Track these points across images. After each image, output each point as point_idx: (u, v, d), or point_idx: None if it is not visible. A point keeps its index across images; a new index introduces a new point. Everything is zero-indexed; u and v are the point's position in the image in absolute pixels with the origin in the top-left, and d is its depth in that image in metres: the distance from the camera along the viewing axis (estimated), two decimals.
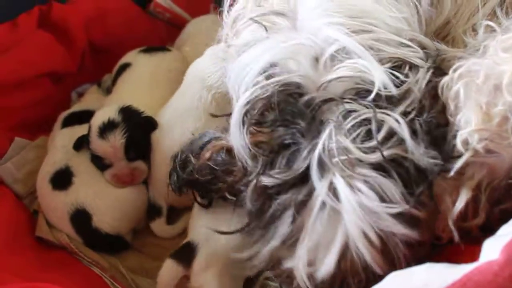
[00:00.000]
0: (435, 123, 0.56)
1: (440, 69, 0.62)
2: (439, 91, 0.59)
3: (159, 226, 1.01)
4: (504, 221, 0.54)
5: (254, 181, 0.59)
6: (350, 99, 0.56)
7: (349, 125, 0.55)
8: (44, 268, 0.90)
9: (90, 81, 1.28)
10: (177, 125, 0.98)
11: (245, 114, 0.61)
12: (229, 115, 0.67)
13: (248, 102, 0.61)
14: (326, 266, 0.54)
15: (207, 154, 0.69)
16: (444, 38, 0.70)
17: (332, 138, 0.54)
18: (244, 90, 0.62)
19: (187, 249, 0.83)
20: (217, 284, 0.80)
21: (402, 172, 0.54)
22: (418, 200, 0.54)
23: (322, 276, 0.55)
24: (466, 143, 0.55)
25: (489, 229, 0.54)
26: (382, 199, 0.52)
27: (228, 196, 0.69)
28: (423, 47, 0.64)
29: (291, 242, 0.56)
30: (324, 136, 0.55)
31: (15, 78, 1.11)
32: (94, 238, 0.97)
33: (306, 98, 0.58)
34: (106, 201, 0.97)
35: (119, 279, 0.94)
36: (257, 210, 0.59)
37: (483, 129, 0.54)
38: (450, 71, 0.59)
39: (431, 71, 0.60)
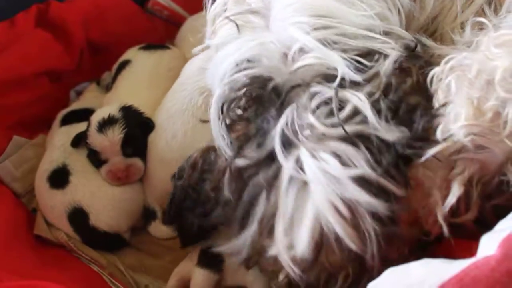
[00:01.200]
0: (402, 102, 0.57)
1: (420, 57, 0.63)
2: (428, 81, 0.59)
3: (156, 228, 1.01)
4: (500, 216, 0.53)
5: (230, 166, 0.60)
6: (317, 83, 0.58)
7: (313, 104, 0.56)
8: (42, 266, 0.90)
9: (89, 79, 1.28)
10: (169, 126, 0.98)
11: (222, 107, 0.64)
12: None
13: (222, 96, 0.64)
14: (302, 242, 0.54)
15: (195, 154, 0.71)
16: (431, 35, 0.70)
17: (295, 115, 0.56)
18: (218, 85, 0.65)
19: (212, 253, 0.80)
20: (257, 272, 0.78)
21: (369, 145, 0.54)
22: (386, 172, 0.54)
23: (302, 255, 0.55)
24: (447, 133, 0.55)
25: (485, 224, 0.54)
26: (345, 165, 0.53)
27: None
28: (400, 38, 0.65)
29: (269, 226, 0.57)
30: (286, 113, 0.57)
31: (13, 77, 1.11)
32: (92, 236, 0.97)
33: (273, 85, 0.60)
34: (103, 200, 0.97)
35: (117, 277, 0.94)
36: (235, 199, 0.60)
37: (474, 124, 0.54)
38: (442, 63, 0.59)
39: (400, 55, 0.61)
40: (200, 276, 0.82)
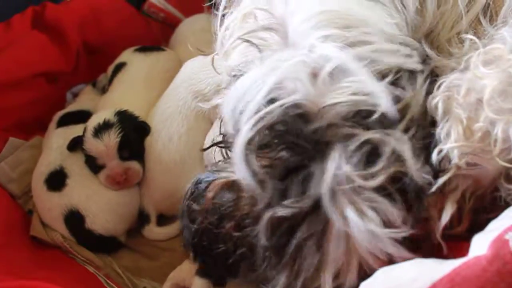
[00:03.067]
0: (427, 137, 0.57)
1: (434, 73, 0.62)
2: (427, 106, 0.59)
3: (149, 231, 1.02)
4: None
5: (268, 213, 0.56)
6: (353, 122, 0.55)
7: (351, 148, 0.53)
8: (38, 267, 0.90)
9: (85, 81, 1.28)
10: (164, 129, 0.99)
11: (249, 143, 0.57)
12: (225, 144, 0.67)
13: (251, 130, 0.57)
14: (350, 283, 0.56)
15: (210, 194, 0.64)
16: (430, 44, 0.69)
17: (338, 164, 0.53)
18: (247, 119, 0.57)
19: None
20: None
21: (401, 192, 0.54)
22: (416, 219, 0.55)
23: None
24: (448, 159, 0.55)
25: (477, 230, 0.54)
26: (385, 224, 0.53)
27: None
28: (414, 48, 0.64)
29: (317, 273, 0.57)
30: (332, 162, 0.54)
31: (10, 79, 1.11)
32: (88, 239, 0.98)
33: (309, 125, 0.55)
34: (99, 203, 0.97)
35: (113, 278, 0.95)
36: (275, 245, 0.57)
37: (465, 145, 0.54)
38: (435, 88, 0.59)
39: (428, 80, 0.59)
40: (199, 286, 0.81)
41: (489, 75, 0.55)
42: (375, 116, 0.54)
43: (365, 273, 0.56)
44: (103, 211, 0.97)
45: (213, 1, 0.78)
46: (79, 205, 0.96)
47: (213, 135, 0.90)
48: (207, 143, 0.94)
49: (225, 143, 0.69)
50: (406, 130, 0.55)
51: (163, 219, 1.03)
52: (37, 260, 0.93)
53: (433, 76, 0.61)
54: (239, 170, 0.58)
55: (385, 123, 0.54)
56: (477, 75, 0.56)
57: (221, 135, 0.70)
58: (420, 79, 0.58)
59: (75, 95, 1.26)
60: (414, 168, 0.53)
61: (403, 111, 0.56)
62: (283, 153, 0.56)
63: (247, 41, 0.64)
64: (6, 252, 0.90)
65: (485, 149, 0.54)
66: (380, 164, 0.53)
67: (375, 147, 0.54)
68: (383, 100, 0.53)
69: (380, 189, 0.53)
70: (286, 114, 0.56)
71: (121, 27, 1.31)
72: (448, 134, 0.55)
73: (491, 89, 0.54)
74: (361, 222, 0.52)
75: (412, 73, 0.59)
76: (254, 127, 0.56)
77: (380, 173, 0.53)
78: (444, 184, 0.56)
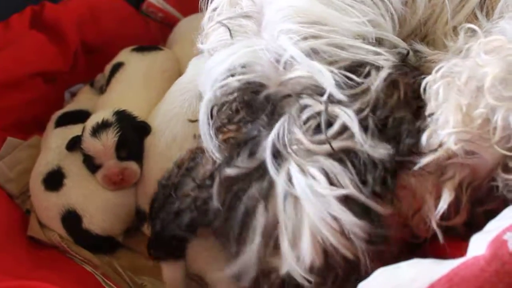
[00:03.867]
0: (390, 118, 0.57)
1: (410, 68, 0.63)
2: (421, 90, 0.59)
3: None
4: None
5: (219, 174, 0.60)
6: (307, 95, 0.58)
7: (303, 118, 0.57)
8: (35, 267, 0.90)
9: (83, 81, 1.28)
10: (168, 129, 0.98)
11: (211, 111, 0.64)
12: None
13: (212, 99, 0.64)
14: (305, 252, 0.55)
15: (183, 155, 0.71)
16: (423, 39, 0.70)
17: (285, 129, 0.56)
18: (209, 88, 0.65)
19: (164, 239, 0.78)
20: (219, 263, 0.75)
21: (355, 162, 0.55)
22: (372, 191, 0.54)
23: (312, 265, 0.55)
24: (437, 141, 0.55)
25: (475, 226, 0.54)
26: (332, 183, 0.53)
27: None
28: (394, 46, 0.65)
29: (273, 239, 0.57)
30: (277, 126, 0.57)
31: (8, 78, 1.11)
32: (85, 239, 0.97)
33: (265, 93, 0.60)
34: (96, 203, 0.97)
35: (111, 277, 0.94)
36: (227, 211, 0.59)
37: (463, 131, 0.54)
38: (433, 72, 0.60)
39: (394, 70, 0.60)
40: (168, 272, 0.81)
41: (490, 63, 0.55)
42: (326, 94, 0.57)
43: (325, 252, 0.55)
44: (101, 211, 0.97)
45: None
46: (76, 205, 0.96)
47: None
48: None
49: None
50: (360, 110, 0.57)
51: None
52: (35, 260, 0.93)
53: (408, 69, 0.63)
54: (203, 134, 0.64)
55: (337, 101, 0.57)
56: (479, 63, 0.56)
57: None
58: (384, 73, 0.59)
59: (74, 95, 1.26)
60: (365, 142, 0.55)
61: (360, 94, 0.58)
62: (243, 125, 0.61)
63: (224, 25, 0.68)
64: (4, 252, 0.90)
65: (484, 136, 0.54)
66: (330, 133, 0.55)
67: (327, 120, 0.56)
68: (326, 80, 0.58)
69: (331, 155, 0.55)
70: (247, 89, 0.61)
71: (119, 26, 1.31)
72: (446, 121, 0.55)
73: (492, 77, 0.54)
74: (305, 181, 0.53)
75: (376, 68, 0.60)
76: (214, 95, 0.64)
77: (331, 141, 0.55)
78: (441, 172, 0.56)
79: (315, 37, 0.62)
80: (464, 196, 0.57)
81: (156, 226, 0.73)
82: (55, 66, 1.21)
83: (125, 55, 1.18)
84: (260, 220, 0.56)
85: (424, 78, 0.60)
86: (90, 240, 0.97)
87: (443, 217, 0.56)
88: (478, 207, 0.57)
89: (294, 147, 0.55)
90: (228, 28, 0.67)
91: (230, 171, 0.59)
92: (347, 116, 0.56)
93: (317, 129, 0.56)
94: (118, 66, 1.15)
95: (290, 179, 0.55)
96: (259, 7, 0.68)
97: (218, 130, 0.63)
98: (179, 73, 1.11)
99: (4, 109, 1.10)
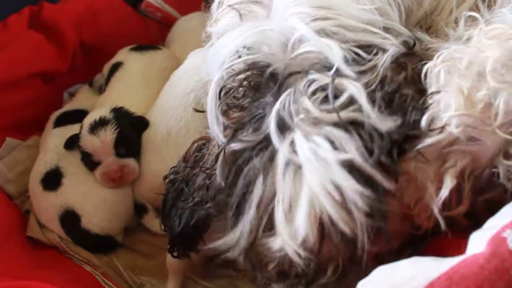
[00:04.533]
0: (396, 94, 0.57)
1: (416, 55, 0.62)
2: (422, 76, 0.59)
3: (149, 221, 1.01)
4: (492, 212, 0.53)
5: (224, 150, 0.59)
6: (315, 70, 0.58)
7: (310, 90, 0.56)
8: (35, 267, 0.90)
9: (82, 81, 1.28)
10: (163, 122, 0.99)
11: (220, 91, 0.63)
12: None
13: (220, 80, 0.63)
14: (303, 227, 0.53)
15: (191, 149, 0.70)
16: (427, 30, 0.70)
17: (291, 99, 0.56)
18: (217, 70, 0.64)
19: None
20: None
21: (361, 132, 0.54)
22: (377, 161, 0.53)
23: (306, 242, 0.54)
24: (440, 124, 0.55)
25: (476, 218, 0.54)
26: (336, 150, 0.52)
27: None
28: (399, 35, 0.65)
29: (268, 212, 0.55)
30: (283, 96, 0.56)
31: (6, 79, 1.11)
32: (84, 238, 0.97)
33: (272, 71, 0.59)
34: (95, 202, 0.97)
35: (110, 276, 0.94)
36: (229, 185, 0.58)
37: (465, 114, 0.54)
38: (434, 57, 0.59)
39: (398, 51, 0.60)
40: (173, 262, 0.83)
41: (491, 47, 0.55)
42: (333, 69, 0.56)
43: (321, 226, 0.53)
44: (99, 210, 0.97)
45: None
46: (74, 205, 0.96)
47: None
48: None
49: None
50: (367, 85, 0.56)
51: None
52: (34, 260, 0.93)
53: (410, 53, 0.63)
54: (210, 117, 0.63)
55: (346, 75, 0.56)
56: (480, 48, 0.56)
57: None
58: (391, 54, 0.59)
59: (72, 95, 1.26)
60: (372, 114, 0.53)
61: (367, 70, 0.58)
62: (250, 105, 0.60)
63: (234, 9, 0.68)
64: (3, 252, 0.90)
65: (486, 121, 0.53)
66: (337, 104, 0.54)
67: (334, 91, 0.55)
68: (335, 54, 0.57)
69: (339, 125, 0.53)
70: (253, 69, 0.61)
71: (118, 26, 1.31)
72: (448, 104, 0.55)
73: (493, 60, 0.53)
74: (309, 148, 0.52)
75: (383, 50, 0.60)
76: (222, 75, 0.63)
77: (338, 111, 0.54)
78: (443, 160, 0.55)
79: (324, 18, 0.61)
80: (466, 184, 0.55)
81: (174, 226, 0.73)
82: (53, 66, 1.21)
83: (123, 55, 1.19)
84: (257, 192, 0.56)
85: (425, 63, 0.60)
86: (89, 240, 0.97)
87: (445, 206, 0.55)
88: (479, 195, 0.56)
89: (301, 116, 0.54)
90: (238, 12, 0.67)
91: (234, 146, 0.58)
92: (354, 89, 0.55)
93: (324, 100, 0.55)
94: (117, 65, 1.15)
95: (294, 148, 0.54)
96: None
97: (224, 113, 0.62)
98: None
99: (2, 109, 1.10)
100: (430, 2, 0.69)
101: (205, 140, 0.69)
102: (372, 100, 0.54)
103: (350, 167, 0.52)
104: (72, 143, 1.01)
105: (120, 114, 1.00)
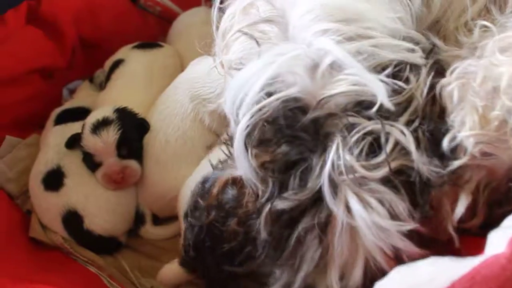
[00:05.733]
0: (436, 129, 0.56)
1: (439, 64, 0.61)
2: (437, 93, 0.58)
3: (146, 232, 1.00)
4: None
5: (268, 206, 0.56)
6: (353, 111, 0.55)
7: (353, 139, 0.53)
8: (39, 269, 0.89)
9: (81, 76, 1.26)
10: (162, 129, 0.98)
11: (247, 137, 0.58)
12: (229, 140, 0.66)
13: (249, 125, 0.58)
14: (355, 280, 0.55)
15: (214, 190, 0.65)
16: (436, 35, 0.68)
17: (339, 155, 0.53)
18: (245, 112, 0.58)
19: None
20: None
21: (407, 185, 0.53)
22: (423, 213, 0.54)
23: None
24: (461, 147, 0.54)
25: (491, 226, 0.53)
26: (392, 216, 0.52)
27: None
28: (417, 42, 0.62)
29: (322, 265, 0.56)
30: (332, 152, 0.53)
31: (4, 75, 1.09)
32: (88, 239, 0.96)
33: (304, 107, 0.56)
34: (98, 203, 0.96)
35: (116, 277, 0.93)
36: (275, 239, 0.57)
37: (480, 133, 0.53)
38: (448, 73, 0.58)
39: (432, 72, 0.58)
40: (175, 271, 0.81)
41: (506, 62, 0.54)
42: (375, 107, 0.53)
43: (371, 272, 0.55)
44: (102, 211, 0.95)
45: None
46: (77, 205, 0.95)
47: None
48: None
49: (230, 140, 0.68)
50: (409, 122, 0.54)
51: (162, 219, 1.02)
52: (37, 262, 0.92)
53: (439, 69, 0.60)
54: (240, 165, 0.59)
55: (386, 114, 0.54)
56: (494, 62, 0.55)
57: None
58: (424, 71, 0.57)
59: (72, 92, 1.24)
60: (420, 161, 0.53)
61: (406, 103, 0.55)
62: (283, 148, 0.56)
63: (247, 34, 0.64)
64: (5, 254, 0.88)
65: (501, 138, 0.53)
66: (383, 155, 0.53)
67: (377, 138, 0.53)
68: (379, 91, 0.53)
69: (385, 181, 0.53)
70: (285, 108, 0.56)
71: (117, 21, 1.29)
72: (463, 122, 0.54)
73: (508, 77, 0.53)
74: (366, 214, 0.52)
75: (415, 66, 0.58)
76: (251, 120, 0.57)
77: (384, 164, 0.52)
78: (458, 176, 0.55)
79: (359, 36, 0.58)
80: (481, 197, 0.56)
81: (209, 270, 0.69)
82: (52, 62, 1.19)
83: (125, 52, 1.17)
84: (312, 250, 0.55)
85: (439, 81, 0.58)
86: (92, 241, 0.96)
87: (460, 220, 0.55)
88: (497, 208, 0.56)
89: (350, 175, 0.53)
90: (253, 36, 0.63)
91: (281, 205, 0.55)
92: (399, 133, 0.53)
93: (369, 151, 0.53)
94: (118, 62, 1.14)
95: (348, 210, 0.53)
96: (281, 11, 0.62)
97: (256, 157, 0.58)
98: (181, 69, 1.10)
99: (1, 107, 1.08)
100: (439, 8, 0.67)
101: (232, 184, 0.64)
102: (416, 141, 0.54)
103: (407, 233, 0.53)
104: (73, 142, 0.99)
105: (124, 115, 0.98)
